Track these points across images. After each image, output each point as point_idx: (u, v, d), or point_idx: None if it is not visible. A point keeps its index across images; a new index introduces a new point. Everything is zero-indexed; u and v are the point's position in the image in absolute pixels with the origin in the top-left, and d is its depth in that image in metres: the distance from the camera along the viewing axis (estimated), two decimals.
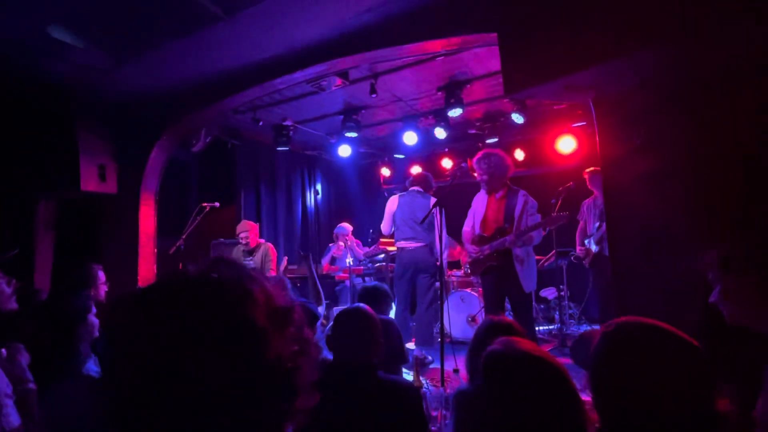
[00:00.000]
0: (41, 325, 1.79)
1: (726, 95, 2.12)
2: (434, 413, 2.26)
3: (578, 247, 4.74)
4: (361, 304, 1.72)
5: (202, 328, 0.51)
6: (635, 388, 0.85)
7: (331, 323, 2.18)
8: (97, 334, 1.91)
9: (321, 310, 4.82)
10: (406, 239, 4.39)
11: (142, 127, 4.49)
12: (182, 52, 3.57)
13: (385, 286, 2.81)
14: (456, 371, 2.90)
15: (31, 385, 1.49)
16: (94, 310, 1.92)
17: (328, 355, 1.91)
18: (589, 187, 4.60)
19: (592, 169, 4.56)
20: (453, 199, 3.71)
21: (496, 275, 3.44)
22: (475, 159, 3.54)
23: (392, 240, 6.30)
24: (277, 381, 0.53)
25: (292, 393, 0.54)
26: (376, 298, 2.71)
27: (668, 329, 0.92)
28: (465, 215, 3.77)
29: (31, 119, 4.15)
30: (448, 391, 2.59)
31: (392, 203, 4.53)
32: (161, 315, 0.53)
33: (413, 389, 1.61)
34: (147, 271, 4.48)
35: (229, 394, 0.49)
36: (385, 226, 4.58)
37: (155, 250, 4.57)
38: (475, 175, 3.52)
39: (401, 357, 2.34)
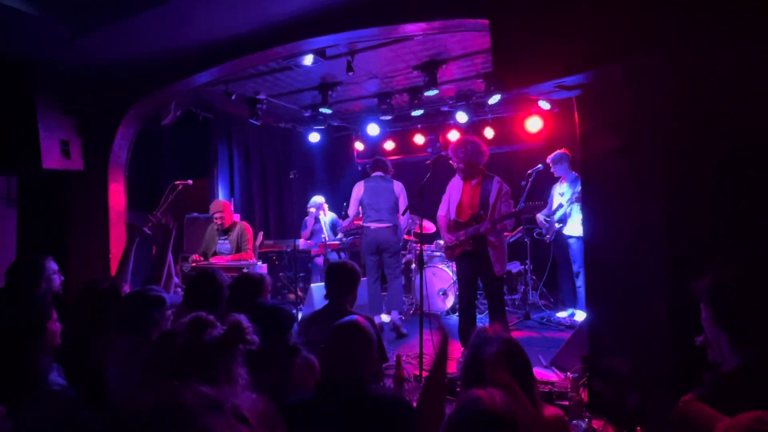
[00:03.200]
0: None
1: (711, 95, 2.22)
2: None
3: (540, 221, 5.05)
4: (357, 317, 1.67)
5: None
6: None
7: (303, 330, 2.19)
8: (59, 341, 1.71)
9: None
10: (372, 221, 4.85)
11: (108, 101, 4.31)
12: (151, 23, 3.40)
13: (353, 264, 2.65)
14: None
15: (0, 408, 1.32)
16: (54, 315, 1.69)
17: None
18: (553, 172, 4.90)
19: (555, 153, 4.84)
20: (429, 180, 3.81)
21: (470, 260, 3.59)
22: (451, 147, 3.60)
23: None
24: None
25: None
26: (344, 275, 2.55)
27: None
28: (439, 197, 3.89)
29: None
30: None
31: (358, 189, 5.00)
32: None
33: (405, 405, 1.59)
34: (118, 248, 4.41)
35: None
36: (351, 210, 5.10)
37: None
38: (451, 162, 3.60)
39: (383, 357, 2.42)
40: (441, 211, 3.83)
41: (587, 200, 2.76)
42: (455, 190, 3.72)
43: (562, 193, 4.86)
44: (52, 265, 2.56)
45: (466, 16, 2.89)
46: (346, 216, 5.36)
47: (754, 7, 1.89)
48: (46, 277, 2.49)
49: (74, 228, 4.45)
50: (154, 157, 5.60)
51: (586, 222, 2.75)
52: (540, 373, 3.24)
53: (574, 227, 4.67)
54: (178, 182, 4.23)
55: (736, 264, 2.20)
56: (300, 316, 4.04)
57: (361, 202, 4.95)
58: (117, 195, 4.44)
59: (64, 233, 4.45)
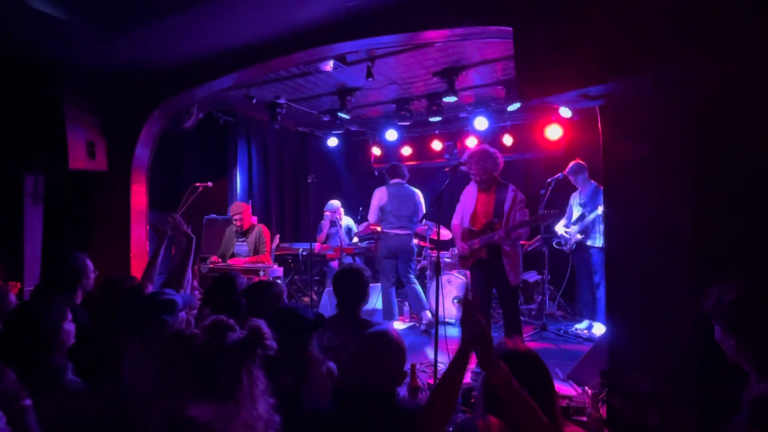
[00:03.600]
0: (10, 339, 1.65)
1: (738, 105, 2.16)
2: None
3: (561, 233, 4.96)
4: (389, 328, 1.62)
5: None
6: None
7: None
8: (73, 341, 1.77)
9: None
10: (393, 228, 4.87)
11: (132, 103, 4.40)
12: (176, 28, 3.48)
13: (362, 268, 2.53)
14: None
15: (27, 402, 1.34)
16: (69, 316, 1.78)
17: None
18: (570, 179, 4.83)
19: (571, 164, 4.78)
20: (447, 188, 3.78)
21: (484, 269, 3.57)
22: (468, 157, 3.57)
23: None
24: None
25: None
26: (354, 281, 2.42)
27: None
28: (456, 205, 3.87)
29: (14, 94, 4.00)
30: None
31: (381, 195, 4.97)
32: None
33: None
34: (139, 247, 4.49)
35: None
36: (372, 216, 5.04)
37: (147, 226, 4.57)
38: (469, 171, 3.57)
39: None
40: (455, 220, 3.81)
41: (609, 210, 2.70)
42: (469, 199, 3.70)
43: (583, 204, 4.78)
44: (90, 264, 2.59)
45: (490, 23, 2.87)
46: (364, 220, 5.37)
47: None
48: (87, 274, 2.52)
49: (97, 226, 4.55)
50: (175, 158, 5.70)
51: (607, 232, 2.70)
52: (557, 386, 3.18)
53: (597, 238, 4.59)
54: (198, 184, 4.30)
55: (763, 278, 2.13)
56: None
57: (382, 209, 4.93)
58: (139, 195, 4.53)
59: (87, 231, 4.55)
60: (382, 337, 1.55)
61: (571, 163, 4.80)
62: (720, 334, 1.48)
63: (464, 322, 1.42)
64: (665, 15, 2.01)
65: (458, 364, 1.44)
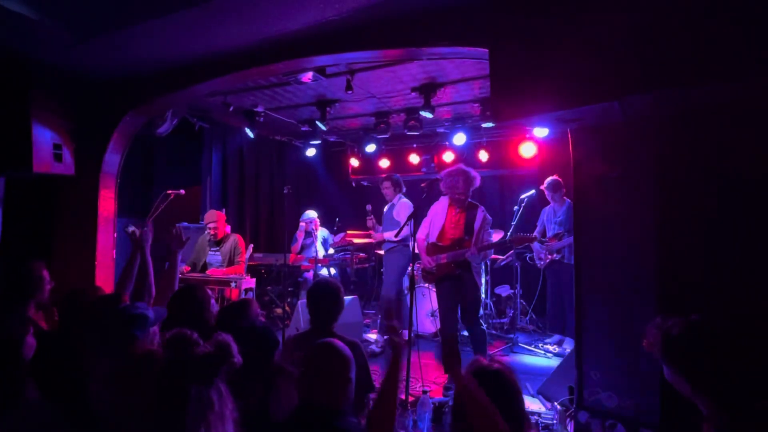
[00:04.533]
0: None
1: (700, 131, 2.30)
2: None
3: (537, 248, 5.03)
4: (334, 340, 1.57)
5: None
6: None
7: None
8: (31, 355, 1.71)
9: None
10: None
11: (104, 107, 4.28)
12: (152, 34, 3.42)
13: (335, 282, 2.44)
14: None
15: None
16: (31, 329, 1.72)
17: None
18: (546, 195, 4.91)
19: (550, 179, 4.86)
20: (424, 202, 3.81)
21: (452, 283, 3.66)
22: (452, 175, 3.65)
23: (359, 232, 6.43)
24: None
25: None
26: (328, 296, 2.32)
27: None
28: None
29: None
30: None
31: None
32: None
33: None
34: (105, 256, 4.34)
35: None
36: (422, 232, 4.48)
37: (115, 234, 4.42)
38: (447, 189, 3.66)
39: (368, 386, 2.19)
40: (421, 234, 3.86)
41: (579, 229, 2.78)
42: (439, 215, 3.79)
43: (560, 222, 4.87)
44: (46, 274, 2.46)
45: (466, 44, 2.94)
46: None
47: (737, 49, 1.95)
48: (41, 287, 2.40)
49: (61, 233, 4.37)
50: (147, 164, 5.56)
51: (576, 251, 2.77)
52: (526, 402, 3.22)
53: None
54: (170, 191, 4.20)
55: (723, 301, 2.23)
56: (285, 334, 3.97)
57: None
58: (107, 201, 4.38)
59: (50, 237, 4.36)
60: (324, 349, 1.52)
61: (550, 179, 4.90)
62: (670, 374, 1.41)
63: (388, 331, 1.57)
64: (630, 49, 2.11)
65: (393, 373, 1.51)
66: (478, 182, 3.71)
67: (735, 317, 2.14)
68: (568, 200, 4.82)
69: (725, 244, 2.27)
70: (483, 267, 3.84)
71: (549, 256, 4.89)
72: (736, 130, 2.24)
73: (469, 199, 3.75)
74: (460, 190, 3.60)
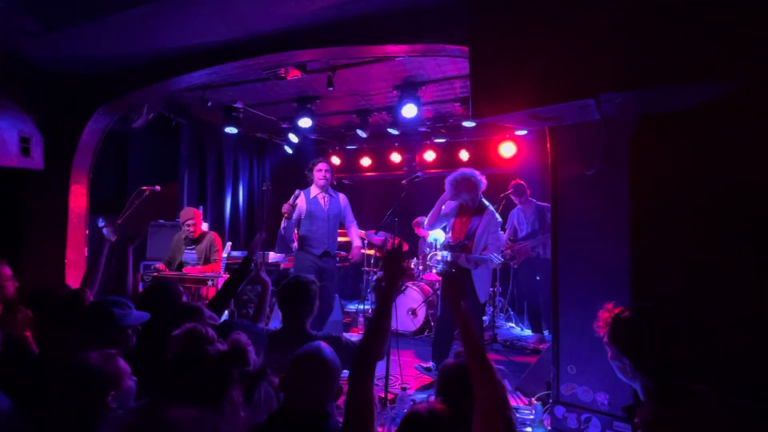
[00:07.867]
0: None
1: (676, 131, 2.35)
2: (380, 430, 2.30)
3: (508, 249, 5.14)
4: (322, 345, 1.51)
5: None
6: None
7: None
8: None
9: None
10: None
11: (75, 100, 4.15)
12: (126, 25, 3.32)
13: (307, 278, 2.31)
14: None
15: None
16: None
17: None
18: (513, 198, 5.12)
19: (514, 184, 5.11)
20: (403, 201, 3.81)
21: (451, 283, 3.67)
22: (454, 185, 3.64)
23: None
24: None
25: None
26: (300, 293, 2.22)
27: None
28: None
29: None
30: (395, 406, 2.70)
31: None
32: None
33: None
34: (76, 254, 4.20)
35: None
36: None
37: (87, 231, 4.29)
38: (459, 198, 3.68)
39: None
40: (429, 221, 3.89)
41: (556, 226, 2.82)
42: (451, 214, 3.80)
43: (532, 221, 4.99)
44: (6, 271, 2.34)
45: (447, 41, 2.95)
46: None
47: (713, 49, 2.00)
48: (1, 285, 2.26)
49: (29, 230, 4.22)
50: (121, 159, 5.41)
51: (554, 247, 2.81)
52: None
53: None
54: (145, 188, 4.09)
55: (696, 299, 2.29)
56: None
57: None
58: (79, 198, 4.25)
59: (18, 235, 4.20)
60: (311, 356, 1.48)
61: (514, 183, 5.09)
62: (612, 355, 1.47)
63: (386, 263, 1.52)
64: (606, 47, 2.14)
65: (383, 309, 1.49)
66: (483, 185, 3.69)
67: (704, 314, 2.20)
68: (535, 201, 5.01)
69: (700, 243, 2.32)
70: (490, 272, 3.74)
71: (524, 255, 4.99)
72: (712, 129, 2.30)
73: (481, 199, 3.73)
74: (466, 198, 3.62)
